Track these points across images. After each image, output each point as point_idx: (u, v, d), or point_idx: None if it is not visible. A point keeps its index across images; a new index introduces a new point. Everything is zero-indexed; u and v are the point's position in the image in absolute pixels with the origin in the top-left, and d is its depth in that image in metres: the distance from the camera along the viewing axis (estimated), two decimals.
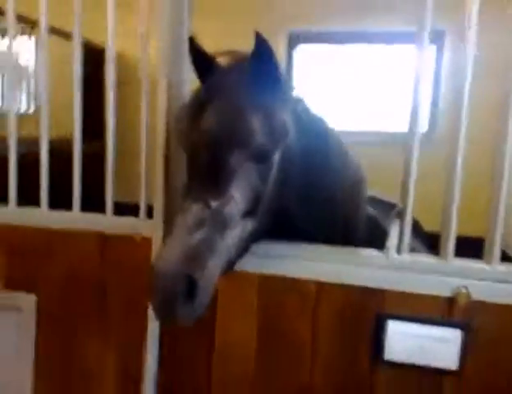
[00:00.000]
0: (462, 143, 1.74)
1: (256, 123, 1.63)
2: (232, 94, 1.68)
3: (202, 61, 1.86)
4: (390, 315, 1.78)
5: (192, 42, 1.85)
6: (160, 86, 2.03)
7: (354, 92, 5.43)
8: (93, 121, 3.28)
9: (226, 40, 5.01)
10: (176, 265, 1.45)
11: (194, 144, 1.68)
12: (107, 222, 2.17)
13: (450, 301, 1.73)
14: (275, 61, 1.71)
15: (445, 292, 1.73)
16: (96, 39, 4.40)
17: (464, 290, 1.70)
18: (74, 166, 2.22)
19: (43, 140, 2.26)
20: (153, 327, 2.06)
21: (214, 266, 1.52)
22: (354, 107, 5.42)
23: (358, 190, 2.10)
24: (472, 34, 1.71)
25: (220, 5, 5.18)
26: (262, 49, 1.66)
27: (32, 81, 5.22)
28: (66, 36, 4.17)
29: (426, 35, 1.78)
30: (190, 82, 2.10)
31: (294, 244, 1.92)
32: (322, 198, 1.91)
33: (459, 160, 1.74)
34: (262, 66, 1.70)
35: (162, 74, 2.02)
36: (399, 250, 1.80)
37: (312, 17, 5.10)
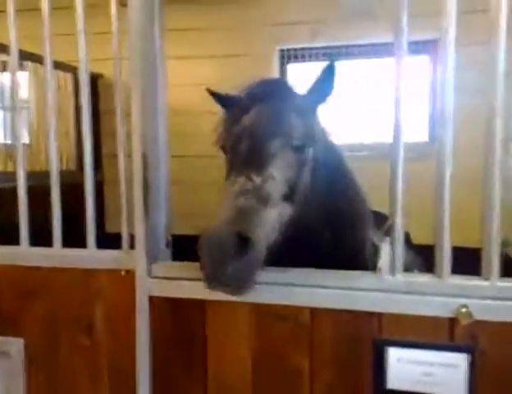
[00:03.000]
0: (448, 154, 1.63)
1: (293, 120, 1.87)
2: (272, 99, 1.92)
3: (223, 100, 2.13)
4: (389, 341, 1.66)
5: (212, 93, 2.19)
6: (134, 111, 1.94)
7: (348, 106, 5.24)
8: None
9: (218, 60, 4.98)
10: (227, 224, 1.50)
11: (237, 136, 1.86)
12: (90, 256, 2.08)
13: (451, 322, 1.61)
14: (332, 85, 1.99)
15: (445, 313, 1.61)
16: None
17: (464, 310, 1.58)
18: (52, 200, 2.14)
19: (20, 174, 2.18)
20: (143, 360, 1.96)
21: (263, 230, 1.58)
22: (347, 120, 5.23)
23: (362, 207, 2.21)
24: (450, 46, 1.62)
25: (211, 23, 5.09)
26: (330, 73, 1.97)
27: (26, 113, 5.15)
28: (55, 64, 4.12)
29: (403, 44, 1.67)
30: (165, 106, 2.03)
31: (284, 270, 1.82)
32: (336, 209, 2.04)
33: (447, 173, 1.62)
34: (318, 84, 2.00)
35: (135, 98, 1.94)
36: (392, 271, 1.68)
37: (301, 35, 4.96)
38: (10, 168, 4.63)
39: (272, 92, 1.96)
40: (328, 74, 1.98)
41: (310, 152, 1.91)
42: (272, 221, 1.65)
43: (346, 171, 2.20)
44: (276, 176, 1.74)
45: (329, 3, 4.67)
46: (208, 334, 1.88)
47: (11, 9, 2.14)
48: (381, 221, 2.40)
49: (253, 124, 1.85)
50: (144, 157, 1.94)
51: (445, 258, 1.64)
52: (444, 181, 1.64)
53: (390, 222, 1.72)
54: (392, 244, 1.69)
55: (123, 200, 2.05)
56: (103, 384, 2.06)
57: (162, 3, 2.02)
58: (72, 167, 5.04)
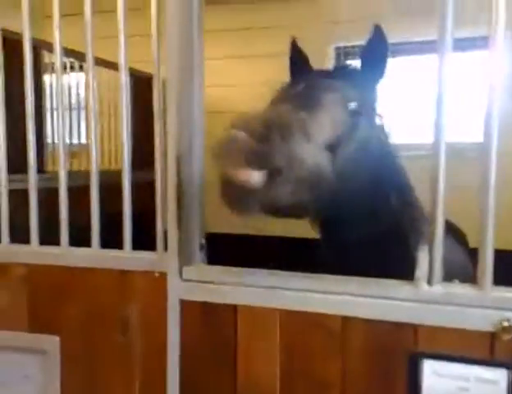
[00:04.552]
0: (494, 155, 1.52)
1: (349, 87, 1.92)
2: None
3: (298, 62, 2.21)
4: (425, 354, 1.58)
5: (293, 43, 2.25)
6: (169, 112, 1.93)
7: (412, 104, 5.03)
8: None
9: (274, 58, 4.96)
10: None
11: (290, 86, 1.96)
12: (125, 257, 2.08)
13: (492, 337, 1.51)
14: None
15: (485, 327, 1.51)
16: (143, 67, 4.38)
17: (506, 324, 1.48)
18: (92, 199, 2.15)
19: (61, 174, 2.20)
20: (173, 363, 1.94)
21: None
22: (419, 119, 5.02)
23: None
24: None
25: (268, 22, 5.08)
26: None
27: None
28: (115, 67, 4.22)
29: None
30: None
31: (317, 276, 1.76)
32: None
33: (492, 176, 1.52)
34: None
35: (170, 98, 1.93)
36: (430, 281, 1.60)
37: (356, 32, 4.87)
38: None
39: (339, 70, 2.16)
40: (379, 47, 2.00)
41: (363, 123, 1.89)
42: (308, 158, 1.57)
43: (398, 167, 2.14)
44: (321, 119, 1.72)
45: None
46: (239, 339, 1.84)
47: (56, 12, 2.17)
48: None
49: (309, 82, 1.90)
50: (179, 158, 1.92)
51: (487, 269, 1.54)
52: (488, 185, 1.54)
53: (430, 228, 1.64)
54: (431, 252, 1.60)
55: (158, 201, 2.03)
56: (135, 384, 2.05)
57: (201, 4, 2.00)
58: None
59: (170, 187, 1.93)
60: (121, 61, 2.10)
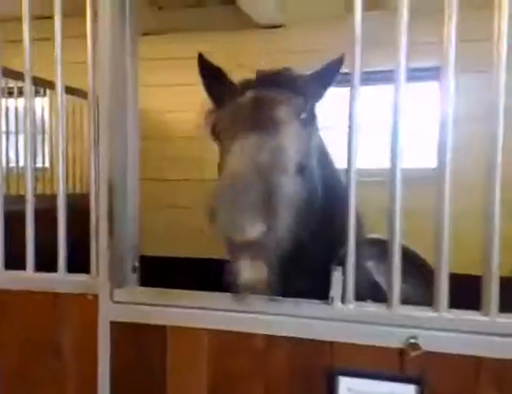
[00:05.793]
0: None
1: (297, 94, 1.81)
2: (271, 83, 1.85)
3: (211, 75, 1.99)
4: (340, 371, 1.64)
5: (201, 57, 1.99)
6: (101, 139, 1.98)
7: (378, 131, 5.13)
8: None
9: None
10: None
11: (238, 105, 1.79)
12: (59, 280, 2.10)
13: (401, 353, 1.59)
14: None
15: (394, 343, 1.59)
16: None
17: (413, 341, 1.56)
18: (27, 223, 2.17)
19: None
20: (103, 387, 1.96)
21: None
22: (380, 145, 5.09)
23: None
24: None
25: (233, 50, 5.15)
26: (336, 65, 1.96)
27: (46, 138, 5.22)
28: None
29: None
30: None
31: (242, 298, 1.81)
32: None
33: (397, 203, 1.61)
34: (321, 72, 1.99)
35: (102, 125, 1.97)
36: (343, 300, 1.67)
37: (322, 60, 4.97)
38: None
39: (271, 77, 1.90)
40: (334, 65, 1.99)
41: (315, 137, 1.85)
42: (288, 191, 1.57)
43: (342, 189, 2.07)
44: (287, 143, 1.66)
45: (343, 31, 4.72)
46: (168, 360, 1.88)
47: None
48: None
49: (256, 94, 1.77)
50: (110, 183, 1.97)
51: (395, 288, 1.62)
52: (395, 208, 1.63)
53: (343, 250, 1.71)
54: (344, 272, 1.68)
55: (92, 225, 2.07)
56: None
57: (134, 31, 2.06)
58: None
59: (102, 211, 1.97)
60: (58, 89, 2.14)
